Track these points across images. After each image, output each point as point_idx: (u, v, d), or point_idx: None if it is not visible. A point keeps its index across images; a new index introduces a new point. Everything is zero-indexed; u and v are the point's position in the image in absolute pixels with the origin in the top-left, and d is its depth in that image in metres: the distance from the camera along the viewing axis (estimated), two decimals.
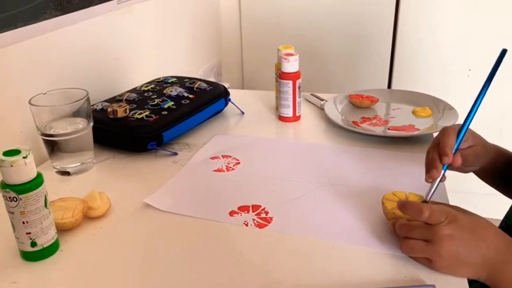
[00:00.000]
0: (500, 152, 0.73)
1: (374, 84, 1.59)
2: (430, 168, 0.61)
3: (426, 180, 0.60)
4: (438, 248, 0.50)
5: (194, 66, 1.52)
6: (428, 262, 0.52)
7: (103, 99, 0.93)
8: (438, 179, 0.60)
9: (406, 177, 0.73)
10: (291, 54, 0.92)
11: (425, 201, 0.59)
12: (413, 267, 0.53)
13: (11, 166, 0.51)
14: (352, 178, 0.74)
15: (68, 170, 0.77)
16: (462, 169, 0.69)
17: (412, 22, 1.54)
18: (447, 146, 0.61)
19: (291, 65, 0.91)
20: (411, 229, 0.53)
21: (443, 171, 0.60)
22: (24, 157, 0.52)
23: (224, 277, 0.53)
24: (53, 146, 0.75)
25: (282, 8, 1.64)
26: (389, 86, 1.61)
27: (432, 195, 0.59)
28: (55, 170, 0.77)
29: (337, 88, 1.63)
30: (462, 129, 0.61)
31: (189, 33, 1.45)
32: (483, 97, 0.60)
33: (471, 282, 0.52)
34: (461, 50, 1.53)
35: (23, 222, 0.54)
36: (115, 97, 0.94)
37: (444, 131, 0.63)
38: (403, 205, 0.55)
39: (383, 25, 1.56)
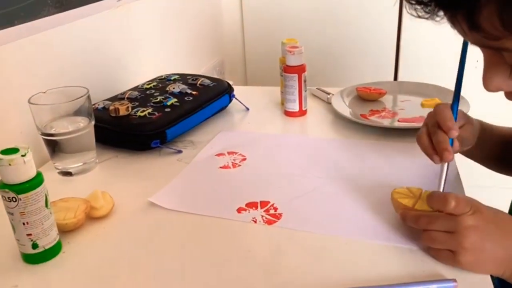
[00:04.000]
0: (484, 128, 0.72)
1: (381, 76, 1.56)
2: (440, 151, 0.57)
3: (438, 163, 0.58)
4: (462, 239, 0.47)
5: (196, 65, 1.50)
6: (450, 256, 0.49)
7: (105, 98, 0.91)
8: (446, 165, 0.57)
9: (417, 169, 0.70)
10: (296, 47, 0.90)
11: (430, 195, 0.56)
12: (432, 261, 0.51)
13: (9, 165, 0.49)
14: (362, 172, 0.71)
15: (70, 170, 0.75)
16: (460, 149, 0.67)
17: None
18: (448, 120, 0.58)
19: (296, 58, 0.89)
20: (432, 220, 0.50)
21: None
22: (22, 155, 0.50)
23: (233, 276, 0.51)
24: (54, 146, 0.73)
25: (284, 2, 1.62)
26: (396, 78, 1.58)
27: (445, 182, 0.57)
28: (57, 170, 0.75)
29: (343, 81, 1.61)
30: (453, 105, 0.59)
31: (191, 32, 1.43)
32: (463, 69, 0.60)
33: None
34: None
35: (24, 223, 0.52)
36: (117, 95, 0.92)
37: (436, 109, 0.61)
38: (430, 195, 0.52)
39: (388, 16, 1.54)
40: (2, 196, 0.51)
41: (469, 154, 0.74)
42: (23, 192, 0.50)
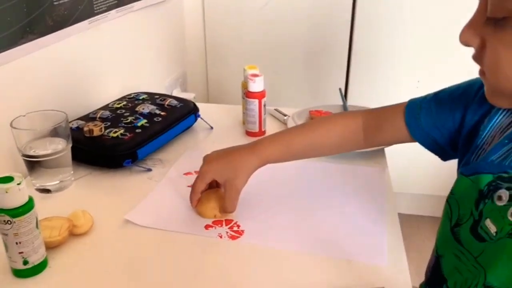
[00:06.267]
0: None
1: (330, 97, 1.68)
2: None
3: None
4: None
5: (160, 78, 1.56)
6: None
7: (76, 116, 0.97)
8: None
9: (356, 189, 0.82)
10: (257, 75, 0.99)
11: None
12: (365, 271, 0.62)
13: (6, 192, 0.56)
14: (312, 192, 0.82)
15: (48, 187, 0.81)
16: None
17: (367, 36, 1.65)
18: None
19: (256, 85, 0.99)
20: None
21: None
22: (18, 184, 0.56)
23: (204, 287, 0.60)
24: (33, 165, 0.79)
25: (245, 19, 1.71)
26: (346, 95, 1.71)
27: None
28: (35, 187, 0.81)
29: (299, 99, 1.73)
30: None
31: (154, 46, 1.49)
32: None
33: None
34: (411, 62, 1.66)
35: (16, 243, 0.58)
36: (88, 114, 0.98)
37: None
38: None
39: (340, 34, 1.66)
40: None
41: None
42: (17, 216, 0.57)
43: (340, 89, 1.22)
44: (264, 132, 1.04)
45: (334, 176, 0.87)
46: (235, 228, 0.72)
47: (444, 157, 0.73)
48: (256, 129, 1.03)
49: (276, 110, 1.14)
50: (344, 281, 0.61)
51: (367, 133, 0.77)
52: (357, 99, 1.20)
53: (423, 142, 0.72)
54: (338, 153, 0.83)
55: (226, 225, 0.72)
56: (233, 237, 0.69)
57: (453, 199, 0.62)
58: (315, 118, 1.07)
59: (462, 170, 0.62)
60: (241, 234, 0.70)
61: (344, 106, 1.13)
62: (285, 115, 1.10)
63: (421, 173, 1.79)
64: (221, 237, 0.70)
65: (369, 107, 1.09)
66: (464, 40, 0.54)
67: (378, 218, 0.74)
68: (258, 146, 0.75)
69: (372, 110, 0.79)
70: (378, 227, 0.71)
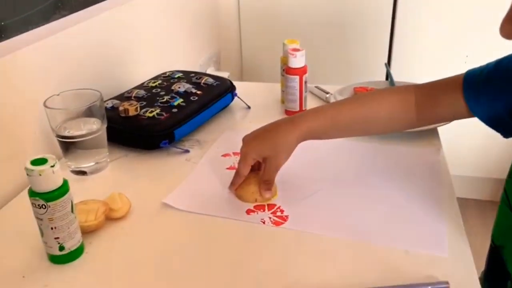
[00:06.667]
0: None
1: (374, 73, 1.60)
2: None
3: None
4: None
5: (194, 57, 1.52)
6: None
7: (110, 96, 0.94)
8: None
9: (409, 173, 0.75)
10: (298, 50, 0.93)
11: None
12: (426, 264, 0.56)
13: (40, 175, 0.53)
14: (360, 175, 0.76)
15: (84, 169, 0.78)
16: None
17: (410, 12, 1.55)
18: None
19: (298, 61, 0.93)
20: None
21: None
22: (51, 166, 0.53)
23: (246, 276, 0.56)
24: (68, 147, 0.76)
25: None
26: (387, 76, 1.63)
27: None
28: (70, 169, 0.79)
29: (338, 76, 1.65)
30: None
31: (188, 23, 1.44)
32: None
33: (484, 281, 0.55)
34: (459, 36, 1.55)
35: (51, 228, 0.56)
36: (123, 94, 0.95)
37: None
38: None
39: (382, 13, 1.57)
40: (32, 203, 0.55)
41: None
42: (52, 199, 0.54)
43: (386, 64, 1.14)
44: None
45: (383, 157, 0.81)
46: (279, 214, 0.67)
47: (507, 133, 0.65)
48: (296, 107, 0.97)
49: (316, 87, 1.08)
50: (401, 273, 0.55)
51: (421, 109, 0.69)
52: (401, 76, 1.12)
53: (483, 117, 0.64)
54: (387, 132, 0.76)
55: (268, 210, 0.68)
56: (276, 223, 0.65)
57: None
58: (361, 93, 1.01)
59: None
60: (285, 220, 0.65)
61: (391, 82, 1.06)
62: (327, 93, 1.04)
63: (463, 154, 1.69)
64: (264, 222, 0.65)
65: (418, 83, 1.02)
66: (506, 34, 0.49)
67: (434, 204, 0.67)
68: (299, 119, 0.69)
69: (425, 84, 0.71)
70: (435, 214, 0.65)
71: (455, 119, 0.71)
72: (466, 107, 0.65)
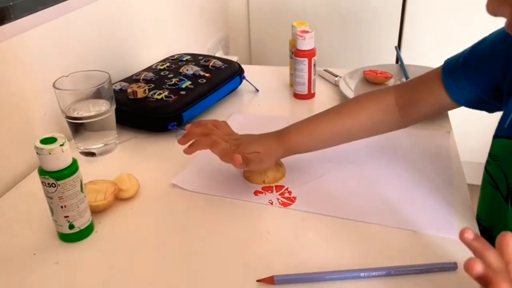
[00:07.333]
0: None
1: (384, 56, 1.58)
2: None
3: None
4: None
5: (202, 40, 1.51)
6: None
7: (119, 78, 0.94)
8: None
9: (418, 155, 0.75)
10: (307, 31, 0.92)
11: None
12: (434, 244, 0.56)
13: (49, 154, 0.53)
14: (369, 157, 0.76)
15: (93, 151, 0.79)
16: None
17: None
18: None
19: (307, 43, 0.92)
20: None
21: None
22: (61, 145, 0.54)
23: (254, 256, 0.56)
24: (77, 128, 0.77)
25: None
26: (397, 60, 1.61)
27: None
28: (79, 150, 0.79)
29: (347, 59, 1.64)
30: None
31: (197, 7, 1.44)
32: None
33: None
34: (471, 17, 1.52)
35: (61, 207, 0.56)
36: (131, 76, 0.95)
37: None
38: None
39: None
40: (42, 182, 0.55)
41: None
42: (61, 178, 0.55)
43: (396, 47, 1.13)
44: (313, 95, 0.98)
45: (392, 140, 0.80)
46: (286, 195, 0.67)
47: (490, 110, 0.67)
48: (305, 91, 0.96)
49: (325, 71, 1.07)
50: (410, 254, 0.55)
51: (403, 109, 0.69)
52: (411, 60, 1.10)
53: (465, 101, 0.66)
54: (373, 136, 0.75)
55: (276, 191, 0.68)
56: (284, 204, 0.65)
57: (494, 166, 0.56)
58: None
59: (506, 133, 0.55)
60: (293, 201, 0.66)
61: (402, 65, 1.04)
62: (336, 76, 1.03)
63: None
64: (271, 203, 0.65)
65: (429, 67, 1.01)
66: (491, 10, 0.48)
67: (443, 186, 0.67)
68: (284, 136, 0.69)
69: (404, 83, 0.73)
70: (445, 196, 0.65)
71: (439, 113, 0.72)
72: (447, 94, 0.66)
